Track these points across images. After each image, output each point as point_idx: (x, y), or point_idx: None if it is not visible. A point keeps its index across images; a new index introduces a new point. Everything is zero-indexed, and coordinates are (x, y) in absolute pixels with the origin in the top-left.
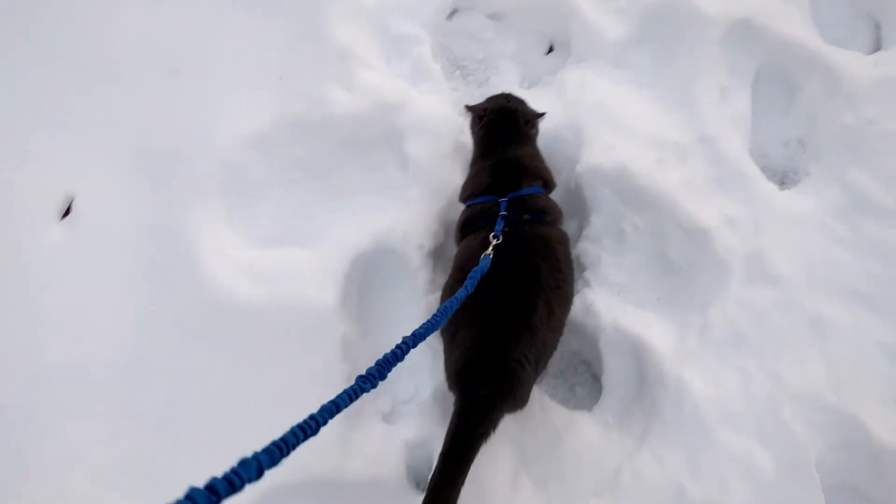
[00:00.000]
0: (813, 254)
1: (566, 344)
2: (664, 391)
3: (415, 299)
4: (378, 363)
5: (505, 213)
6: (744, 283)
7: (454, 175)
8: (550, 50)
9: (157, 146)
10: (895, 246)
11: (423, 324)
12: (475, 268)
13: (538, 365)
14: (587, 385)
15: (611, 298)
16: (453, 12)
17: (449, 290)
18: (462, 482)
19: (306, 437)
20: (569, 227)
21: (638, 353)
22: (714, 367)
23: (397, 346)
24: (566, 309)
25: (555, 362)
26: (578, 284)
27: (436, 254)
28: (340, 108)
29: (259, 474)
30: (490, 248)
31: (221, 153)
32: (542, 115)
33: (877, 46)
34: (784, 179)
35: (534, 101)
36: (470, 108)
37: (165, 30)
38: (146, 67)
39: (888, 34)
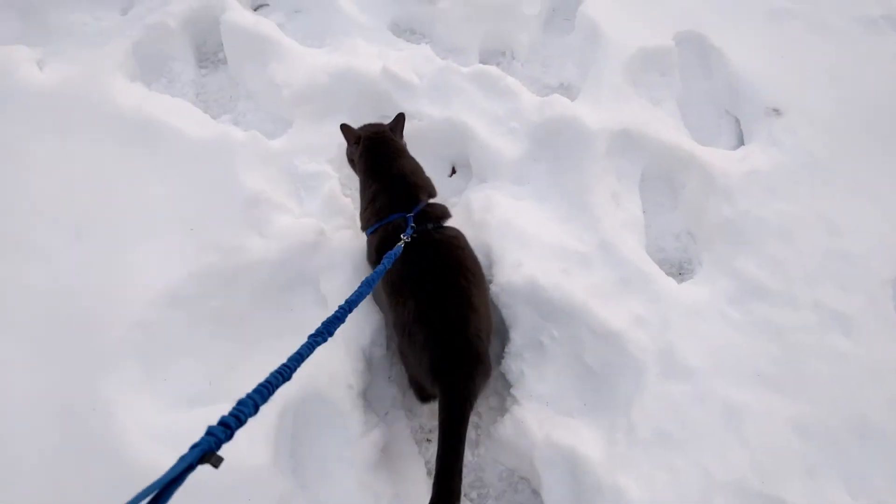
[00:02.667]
0: (716, 342)
1: (502, 463)
2: (602, 500)
3: (351, 442)
4: (324, 323)
5: (413, 224)
6: (660, 379)
7: (374, 312)
8: (453, 172)
9: (66, 315)
10: (785, 325)
11: (354, 292)
12: (390, 252)
13: (488, 337)
14: (529, 503)
15: (540, 412)
16: None
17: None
18: (462, 464)
19: (284, 381)
20: (491, 345)
21: (573, 465)
22: (645, 468)
23: (338, 309)
24: (487, 290)
25: (494, 483)
26: (507, 402)
27: (367, 393)
28: (255, 254)
29: (256, 409)
30: (403, 240)
31: (135, 314)
32: (402, 115)
33: (740, 140)
34: (681, 270)
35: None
36: (345, 128)
37: (67, 192)
38: (49, 233)
39: (746, 128)
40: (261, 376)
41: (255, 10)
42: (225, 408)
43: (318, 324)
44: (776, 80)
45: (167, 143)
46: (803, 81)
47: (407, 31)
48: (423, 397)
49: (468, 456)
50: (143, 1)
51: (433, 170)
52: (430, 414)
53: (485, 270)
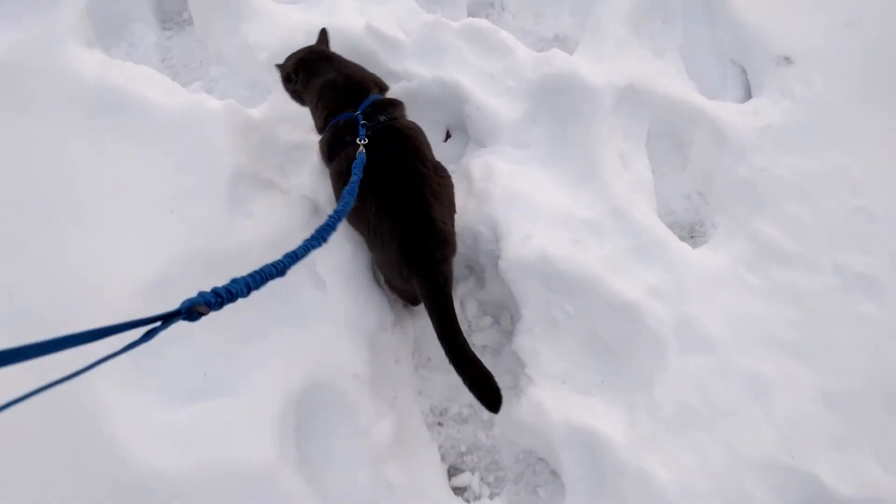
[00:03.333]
0: (736, 310)
1: (518, 444)
2: (627, 483)
3: (360, 434)
4: (318, 230)
5: (364, 122)
6: (680, 353)
7: (375, 293)
8: (448, 136)
9: (42, 310)
10: (807, 290)
11: (340, 202)
12: (356, 161)
13: (451, 221)
14: (549, 485)
15: (556, 390)
16: None
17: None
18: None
19: (277, 275)
20: (501, 322)
21: (593, 446)
22: (671, 448)
23: (329, 218)
24: (448, 177)
25: (511, 465)
26: (521, 381)
27: (373, 379)
28: (243, 236)
29: (248, 291)
30: (362, 147)
31: (117, 306)
32: (324, 29)
33: (747, 92)
34: (693, 233)
35: None
36: (280, 66)
37: (29, 174)
38: (15, 222)
39: (754, 79)
40: (259, 368)
41: None
42: (223, 403)
43: (319, 308)
44: (786, 26)
45: (135, 116)
46: (816, 26)
47: None
48: (411, 299)
49: (482, 438)
50: None
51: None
52: (441, 393)
53: (492, 246)
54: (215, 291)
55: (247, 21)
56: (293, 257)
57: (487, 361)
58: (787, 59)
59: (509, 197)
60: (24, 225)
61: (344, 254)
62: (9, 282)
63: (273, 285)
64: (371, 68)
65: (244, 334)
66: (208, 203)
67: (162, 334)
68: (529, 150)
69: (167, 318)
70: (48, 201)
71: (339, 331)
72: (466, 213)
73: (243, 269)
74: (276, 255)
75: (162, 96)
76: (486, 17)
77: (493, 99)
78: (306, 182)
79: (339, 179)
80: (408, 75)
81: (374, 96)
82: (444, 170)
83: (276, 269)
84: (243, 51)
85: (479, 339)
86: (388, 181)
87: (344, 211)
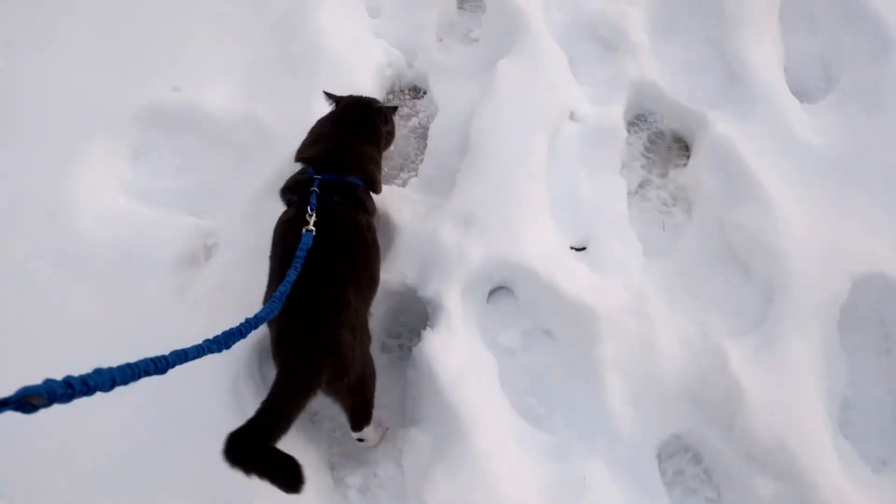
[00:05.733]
0: None
1: None
2: None
3: None
4: (225, 334)
5: (317, 190)
6: None
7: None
8: None
9: None
10: None
11: (264, 308)
12: (300, 245)
13: (355, 332)
14: None
15: None
16: None
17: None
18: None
19: (156, 372)
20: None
21: None
22: None
23: (242, 324)
24: (374, 287)
25: None
26: None
27: None
28: None
29: (111, 386)
30: (311, 224)
31: None
32: (395, 108)
33: None
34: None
35: None
36: (329, 94)
37: None
38: None
39: None
40: None
41: None
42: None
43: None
44: None
45: None
46: None
47: None
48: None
49: None
50: None
51: None
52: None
53: None
54: (67, 381)
55: None
56: (182, 356)
57: None
58: None
59: None
60: None
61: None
62: None
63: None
64: None
65: None
66: None
67: None
68: None
69: None
70: None
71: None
72: None
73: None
74: None
75: None
76: None
77: None
78: None
79: (281, 245)
80: None
81: (352, 178)
82: (372, 275)
83: (156, 366)
84: None
85: None
86: (312, 271)
87: (263, 319)
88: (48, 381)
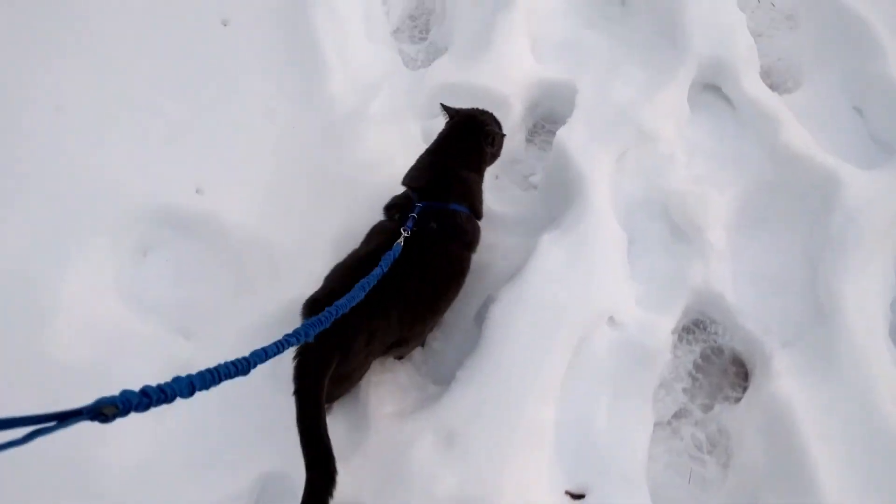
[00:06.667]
0: None
1: None
2: None
3: None
4: (305, 325)
5: (415, 216)
6: None
7: None
8: None
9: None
10: None
11: (345, 296)
12: (388, 252)
13: (370, 353)
14: None
15: None
16: None
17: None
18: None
19: (238, 374)
20: None
21: None
22: None
23: (323, 314)
24: (426, 320)
25: None
26: None
27: None
28: None
29: (191, 392)
30: (402, 238)
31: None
32: (504, 135)
33: None
34: None
35: None
36: (445, 107)
37: None
38: None
39: None
40: None
41: None
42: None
43: None
44: None
45: None
46: None
47: None
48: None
49: None
50: None
51: None
52: None
53: None
54: (144, 391)
55: None
56: (262, 355)
57: None
58: None
59: None
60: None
61: None
62: None
63: None
64: None
65: None
66: None
67: None
68: None
69: (64, 418)
70: None
71: None
72: None
73: None
74: None
75: None
76: None
77: None
78: None
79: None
80: None
81: (455, 206)
82: (439, 309)
83: (237, 368)
84: None
85: None
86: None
87: (346, 307)
88: (124, 392)
